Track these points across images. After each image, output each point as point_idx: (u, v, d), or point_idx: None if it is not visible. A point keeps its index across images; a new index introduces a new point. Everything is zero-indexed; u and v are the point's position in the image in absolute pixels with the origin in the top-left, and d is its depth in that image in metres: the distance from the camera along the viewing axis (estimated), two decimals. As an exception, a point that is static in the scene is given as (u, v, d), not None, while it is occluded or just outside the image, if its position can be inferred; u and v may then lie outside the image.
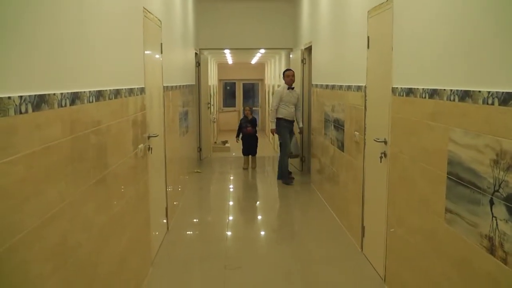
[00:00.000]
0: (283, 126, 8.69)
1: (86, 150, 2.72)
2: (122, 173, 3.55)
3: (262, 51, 13.83)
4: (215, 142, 15.45)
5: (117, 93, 3.40)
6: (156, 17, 5.16)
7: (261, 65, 21.60)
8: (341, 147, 6.01)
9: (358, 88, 5.17)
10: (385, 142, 4.25)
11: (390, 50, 4.11)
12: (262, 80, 22.08)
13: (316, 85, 7.86)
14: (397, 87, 3.94)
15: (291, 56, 10.40)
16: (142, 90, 4.29)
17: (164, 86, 5.61)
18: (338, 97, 6.19)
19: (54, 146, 2.27)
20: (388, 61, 4.17)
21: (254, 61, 20.16)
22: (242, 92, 23.22)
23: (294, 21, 10.53)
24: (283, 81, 8.81)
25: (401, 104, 3.85)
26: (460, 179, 2.85)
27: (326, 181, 7.11)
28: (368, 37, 4.80)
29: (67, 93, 2.42)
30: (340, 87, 6.05)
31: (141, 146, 4.20)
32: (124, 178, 3.61)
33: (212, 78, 16.11)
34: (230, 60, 19.76)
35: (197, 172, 9.69)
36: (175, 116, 6.64)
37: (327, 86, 6.92)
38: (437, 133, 3.18)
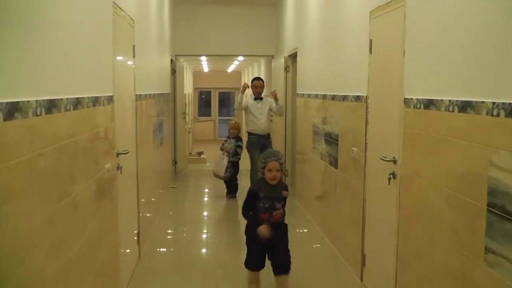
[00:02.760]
0: (251, 142, 7.87)
1: (32, 179, 2.06)
2: (83, 203, 2.88)
3: (241, 58, 13.25)
4: (190, 153, 14.77)
5: (77, 102, 2.74)
6: (128, 15, 4.50)
7: (237, 74, 21.02)
8: (334, 163, 5.42)
9: (357, 98, 4.59)
10: (394, 161, 3.67)
11: (401, 55, 3.53)
12: (239, 89, 21.42)
13: (303, 95, 7.27)
14: (411, 98, 3.36)
15: (272, 63, 9.81)
16: (110, 99, 3.63)
17: (136, 95, 4.95)
18: (330, 108, 5.61)
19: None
20: (398, 68, 3.60)
21: (230, 69, 19.57)
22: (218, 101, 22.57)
23: (277, 26, 9.96)
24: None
25: (418, 118, 3.27)
26: (508, 214, 2.27)
27: (315, 198, 6.51)
28: (370, 40, 4.23)
29: (1, 103, 1.76)
30: (333, 97, 5.46)
31: (108, 166, 3.53)
32: (86, 209, 2.93)
33: (188, 87, 15.45)
34: (206, 68, 19.12)
35: (172, 187, 9.00)
36: (148, 128, 5.97)
37: (316, 95, 6.34)
38: (471, 154, 2.60)
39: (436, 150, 3.02)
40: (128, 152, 4.11)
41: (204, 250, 5.84)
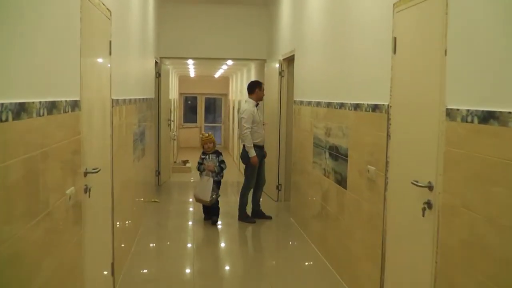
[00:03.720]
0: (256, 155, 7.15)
1: None
2: (31, 245, 2.11)
3: (230, 62, 12.50)
4: (175, 162, 13.99)
5: (21, 109, 1.98)
6: (103, 3, 3.74)
7: (225, 79, 20.26)
8: (342, 182, 4.69)
9: (375, 107, 3.88)
10: (430, 187, 2.94)
11: (442, 54, 2.82)
12: (226, 95, 20.73)
13: (301, 102, 6.55)
14: (457, 109, 2.65)
15: (265, 68, 9.09)
16: (75, 105, 2.87)
17: (113, 100, 4.18)
18: (337, 118, 4.89)
19: None
20: (437, 70, 2.89)
21: (218, 74, 18.81)
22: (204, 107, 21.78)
23: (269, 28, 9.25)
24: (246, 96, 7.30)
25: (468, 135, 2.56)
26: None
27: (315, 219, 5.77)
28: (394, 38, 3.52)
29: None
30: (342, 105, 4.74)
31: (70, 190, 2.76)
32: (35, 251, 2.17)
33: (173, 92, 14.66)
34: (192, 73, 18.33)
35: (155, 201, 8.21)
36: (128, 138, 5.20)
37: (318, 103, 5.62)
38: None
39: (497, 178, 2.31)
40: (99, 170, 3.34)
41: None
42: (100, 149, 3.69)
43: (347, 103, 4.59)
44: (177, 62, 13.02)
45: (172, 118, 12.76)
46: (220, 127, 21.97)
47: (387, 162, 3.63)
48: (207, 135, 7.19)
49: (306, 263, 5.49)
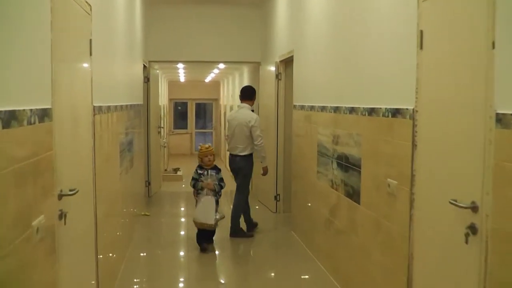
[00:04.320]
0: (250, 164, 6.68)
1: None
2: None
3: (222, 66, 11.99)
4: (166, 170, 13.44)
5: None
6: (80, -4, 3.23)
7: (216, 84, 19.73)
8: (354, 195, 4.20)
9: (396, 112, 3.39)
10: (474, 208, 2.45)
11: (488, 48, 2.34)
12: (217, 99, 20.19)
13: (302, 107, 6.06)
14: (512, 114, 2.17)
15: (260, 71, 8.58)
16: (45, 114, 2.35)
17: (95, 107, 3.66)
18: (347, 125, 4.40)
19: None
20: (480, 67, 2.40)
21: (208, 79, 18.28)
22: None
23: (264, 29, 8.75)
24: (238, 101, 6.87)
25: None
26: None
27: (321, 234, 5.27)
28: (420, 31, 3.03)
29: None
30: (352, 110, 4.26)
31: (39, 220, 2.23)
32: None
33: (163, 97, 14.12)
34: (182, 78, 17.78)
35: (145, 215, 7.67)
36: (114, 149, 4.67)
37: (323, 108, 5.13)
38: None
39: None
40: (77, 191, 2.81)
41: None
42: (79, 165, 3.17)
43: (359, 107, 4.10)
44: (166, 66, 12.50)
45: (162, 125, 12.24)
46: (211, 133, 21.44)
47: (412, 176, 3.14)
48: (207, 146, 6.16)
49: (312, 283, 4.99)
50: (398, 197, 3.34)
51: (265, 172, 6.75)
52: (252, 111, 6.70)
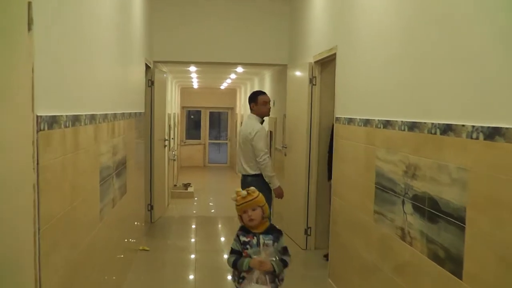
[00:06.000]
0: (267, 185, 5.44)
1: None
2: None
3: (240, 70, 10.55)
4: (175, 185, 12.02)
5: None
6: None
7: (232, 91, 18.33)
8: (448, 262, 2.69)
9: None
10: None
11: None
12: (233, 108, 18.77)
13: (350, 120, 4.57)
14: None
15: (289, 74, 7.10)
16: None
17: (41, 118, 2.22)
18: (436, 150, 2.89)
19: None
20: None
21: (224, 85, 16.87)
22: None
23: (293, 24, 7.29)
24: (248, 111, 5.71)
25: None
26: None
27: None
28: None
29: None
30: (445, 129, 2.75)
31: None
32: None
33: (174, 105, 12.71)
34: (195, 84, 16.38)
35: (144, 249, 6.21)
36: (87, 180, 3.21)
37: (387, 123, 3.63)
38: None
39: None
40: None
41: None
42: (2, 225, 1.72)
43: (457, 124, 2.61)
44: (177, 70, 11.10)
45: (172, 136, 10.85)
46: (226, 144, 20.00)
47: None
48: (245, 193, 3.39)
49: None
50: None
51: (278, 195, 5.59)
52: (262, 122, 5.57)
